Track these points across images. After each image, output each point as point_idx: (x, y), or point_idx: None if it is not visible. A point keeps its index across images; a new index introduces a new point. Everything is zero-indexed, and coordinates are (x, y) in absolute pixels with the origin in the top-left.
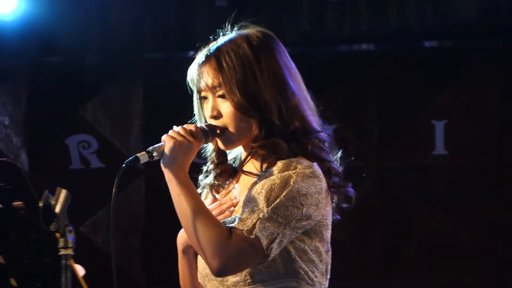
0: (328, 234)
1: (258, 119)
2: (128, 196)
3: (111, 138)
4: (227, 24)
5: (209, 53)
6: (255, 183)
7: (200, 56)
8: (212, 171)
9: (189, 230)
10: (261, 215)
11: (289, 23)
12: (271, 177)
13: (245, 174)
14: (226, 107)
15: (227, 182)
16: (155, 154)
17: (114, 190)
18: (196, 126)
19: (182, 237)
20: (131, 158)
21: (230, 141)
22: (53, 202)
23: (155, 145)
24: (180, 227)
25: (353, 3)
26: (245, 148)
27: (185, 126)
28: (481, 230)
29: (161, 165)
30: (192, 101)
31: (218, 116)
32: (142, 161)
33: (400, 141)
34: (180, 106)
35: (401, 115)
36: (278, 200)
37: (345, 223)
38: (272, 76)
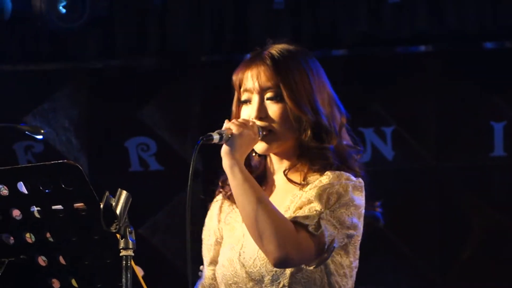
0: (358, 251)
1: (308, 126)
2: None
3: (170, 141)
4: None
5: (265, 56)
6: (299, 190)
7: (254, 58)
8: None
9: (253, 217)
10: (320, 217)
11: (346, 24)
12: (325, 184)
13: (290, 182)
14: (276, 109)
15: None
16: (224, 136)
17: (191, 170)
18: (254, 122)
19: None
20: (205, 135)
21: (273, 144)
22: (113, 204)
23: (221, 130)
24: None
25: (411, 3)
26: (280, 155)
27: (245, 120)
28: None
29: (224, 150)
30: None
31: (264, 118)
32: (214, 140)
33: (458, 142)
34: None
35: (460, 116)
36: (335, 205)
37: (403, 224)
38: (323, 88)
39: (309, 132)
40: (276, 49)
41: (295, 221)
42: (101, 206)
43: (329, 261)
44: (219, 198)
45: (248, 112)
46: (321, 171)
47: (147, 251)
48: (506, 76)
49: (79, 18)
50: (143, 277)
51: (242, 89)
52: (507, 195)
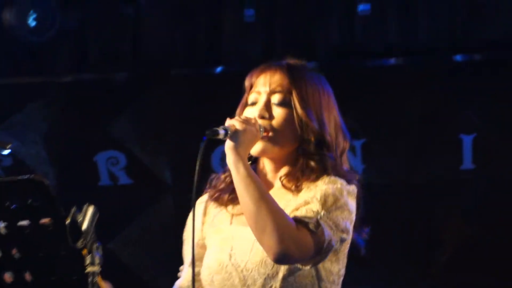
0: (346, 258)
1: (312, 134)
2: (157, 210)
3: (140, 155)
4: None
5: (282, 63)
6: (292, 196)
7: (270, 64)
8: (228, 184)
9: (255, 212)
10: (318, 217)
11: (318, 37)
12: (321, 186)
13: (284, 187)
14: (282, 112)
15: None
16: (229, 132)
17: (198, 163)
18: (257, 120)
19: None
20: (210, 130)
21: (271, 147)
22: (80, 219)
23: (224, 125)
24: None
25: (381, 16)
26: (275, 161)
27: (247, 117)
28: None
29: (229, 145)
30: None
31: (267, 118)
32: (219, 135)
33: (428, 155)
34: (209, 120)
35: (429, 129)
36: (332, 207)
37: (373, 239)
38: (331, 109)
39: (312, 139)
40: (293, 61)
41: (295, 219)
42: (67, 222)
43: (320, 266)
44: (203, 199)
45: (252, 112)
46: (316, 179)
47: (117, 266)
48: (476, 89)
49: (50, 31)
50: None
51: (250, 91)
52: (476, 208)
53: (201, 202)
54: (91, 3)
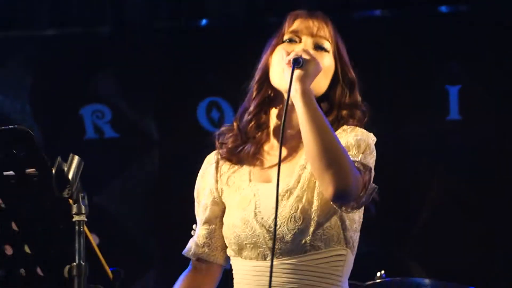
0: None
1: (348, 84)
2: (142, 164)
3: (125, 108)
4: None
5: (320, 12)
6: None
7: (313, 12)
8: (249, 134)
9: (323, 146)
10: (357, 159)
11: None
12: (351, 134)
13: None
14: (327, 57)
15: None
16: (303, 62)
17: (285, 104)
18: None
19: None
20: (294, 59)
21: (313, 88)
22: (65, 169)
23: (298, 55)
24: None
25: None
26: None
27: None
28: None
29: (298, 75)
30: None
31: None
32: (300, 62)
33: (414, 107)
34: (194, 74)
35: (415, 81)
36: (366, 151)
37: None
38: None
39: (348, 91)
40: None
41: None
42: (53, 171)
43: (345, 216)
44: (212, 160)
45: (296, 49)
46: (338, 128)
47: (103, 219)
48: (461, 40)
49: None
50: (98, 245)
51: (290, 30)
52: (462, 159)
53: (211, 163)
54: None
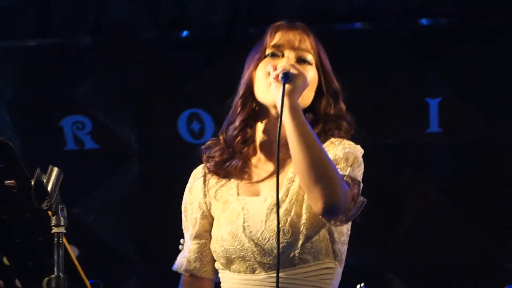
0: None
1: (333, 95)
2: (122, 175)
3: (105, 119)
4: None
5: (304, 25)
6: None
7: (292, 24)
8: (236, 148)
9: (312, 161)
10: (345, 173)
11: (283, 1)
12: (339, 147)
13: None
14: (310, 70)
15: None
16: (292, 77)
17: (280, 118)
18: None
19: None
20: (284, 74)
21: (296, 92)
22: (44, 180)
23: (286, 70)
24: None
25: None
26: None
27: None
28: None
29: (287, 91)
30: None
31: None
32: (290, 77)
33: (394, 119)
34: (175, 85)
35: (395, 93)
36: (354, 164)
37: None
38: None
39: (333, 102)
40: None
41: None
42: (32, 183)
43: (333, 229)
44: (199, 173)
45: (281, 64)
46: (327, 139)
47: (82, 231)
48: (441, 52)
49: None
50: (78, 257)
51: (271, 44)
52: (442, 171)
53: (198, 176)
54: None
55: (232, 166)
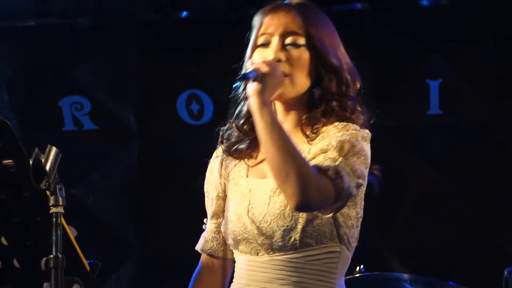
0: (363, 201)
1: (333, 74)
2: (121, 156)
3: (104, 100)
4: None
5: (291, 4)
6: (307, 144)
7: (278, 5)
8: (245, 134)
9: (279, 160)
10: (336, 163)
11: None
12: (336, 133)
13: (303, 133)
14: (298, 54)
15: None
16: (258, 75)
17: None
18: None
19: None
20: (241, 75)
21: (292, 89)
22: (43, 160)
23: (252, 68)
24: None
25: None
26: (289, 106)
27: (270, 60)
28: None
29: (255, 88)
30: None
31: (285, 60)
32: (250, 78)
33: (395, 101)
34: (174, 66)
35: (396, 74)
36: (349, 153)
37: None
38: (339, 41)
39: (334, 80)
40: (299, 0)
41: (315, 167)
42: (30, 162)
43: (338, 213)
44: (219, 153)
45: (265, 55)
46: (330, 124)
47: (81, 211)
48: (442, 34)
49: None
50: (76, 237)
51: (260, 33)
52: (443, 153)
53: (217, 156)
54: None
55: (242, 148)
